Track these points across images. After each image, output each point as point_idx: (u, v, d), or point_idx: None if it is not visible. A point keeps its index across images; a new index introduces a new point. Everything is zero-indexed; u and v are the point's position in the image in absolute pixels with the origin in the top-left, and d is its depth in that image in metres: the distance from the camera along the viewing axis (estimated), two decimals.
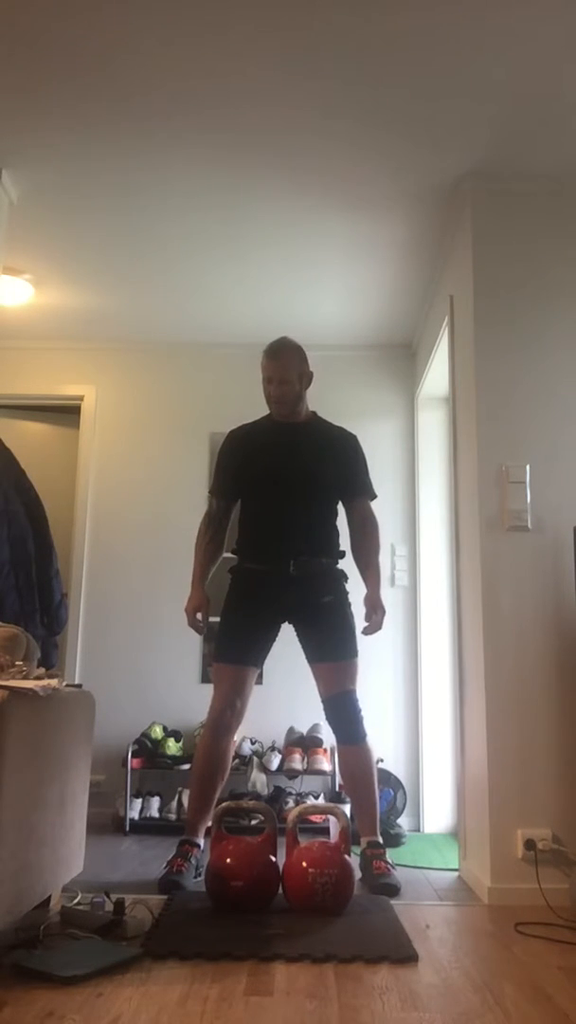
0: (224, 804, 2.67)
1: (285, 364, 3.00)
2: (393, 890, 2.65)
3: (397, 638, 4.25)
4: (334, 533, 3.03)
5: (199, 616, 3.01)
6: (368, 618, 3.01)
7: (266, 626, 2.94)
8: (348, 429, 3.16)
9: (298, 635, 2.97)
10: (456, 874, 3.02)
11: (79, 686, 2.71)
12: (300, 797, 3.83)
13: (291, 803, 3.75)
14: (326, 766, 3.85)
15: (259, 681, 4.07)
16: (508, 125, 2.80)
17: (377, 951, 2.02)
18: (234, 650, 2.90)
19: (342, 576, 2.99)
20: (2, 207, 3.18)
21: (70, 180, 3.16)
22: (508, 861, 2.62)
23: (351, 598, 2.98)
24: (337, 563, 3.00)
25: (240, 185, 3.18)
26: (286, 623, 2.98)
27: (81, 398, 4.57)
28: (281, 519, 2.95)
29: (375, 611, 3.01)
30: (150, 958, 1.95)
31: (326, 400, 4.54)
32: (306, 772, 3.87)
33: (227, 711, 2.86)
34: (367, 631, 3.00)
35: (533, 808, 2.65)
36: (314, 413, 3.14)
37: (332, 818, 3.37)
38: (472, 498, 2.95)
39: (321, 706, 2.92)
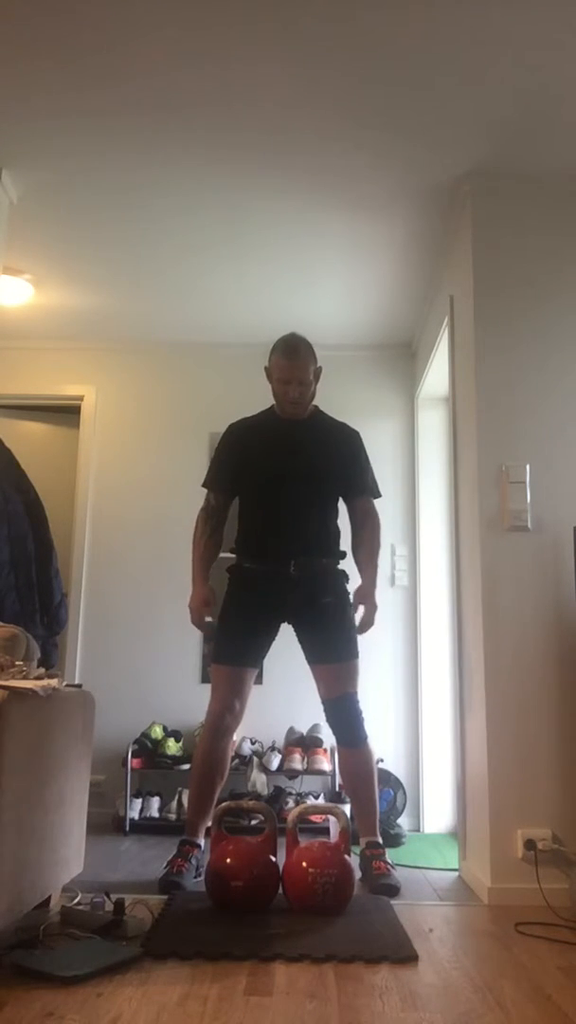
0: (224, 804, 2.67)
1: (303, 365, 2.93)
2: (393, 890, 2.65)
3: (397, 638, 4.25)
4: (335, 533, 3.02)
5: (207, 610, 2.96)
6: (357, 611, 2.96)
7: (265, 626, 2.93)
8: (350, 426, 3.13)
9: (298, 636, 2.96)
10: (456, 874, 3.02)
11: (79, 686, 2.71)
12: (300, 797, 3.83)
13: (291, 803, 3.75)
14: (326, 766, 3.85)
15: (259, 681, 4.08)
16: (508, 125, 2.80)
17: (377, 951, 2.02)
18: (233, 651, 2.89)
19: (343, 576, 2.98)
20: (2, 207, 3.18)
21: (70, 180, 3.16)
22: (508, 861, 2.62)
23: (351, 598, 2.98)
24: (338, 563, 2.99)
25: (240, 185, 3.18)
26: (285, 623, 2.97)
27: (81, 398, 4.57)
28: (282, 518, 2.93)
29: (365, 603, 2.96)
30: (150, 958, 1.95)
31: (326, 400, 4.51)
32: (306, 772, 3.87)
33: (226, 713, 2.85)
34: (359, 629, 2.96)
35: (533, 808, 2.65)
36: (316, 408, 3.11)
37: (332, 818, 3.37)
38: (472, 498, 2.95)
39: (321, 706, 2.92)
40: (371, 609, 2.98)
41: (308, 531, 2.94)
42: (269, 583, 2.90)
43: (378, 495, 3.10)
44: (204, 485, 3.09)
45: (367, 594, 2.98)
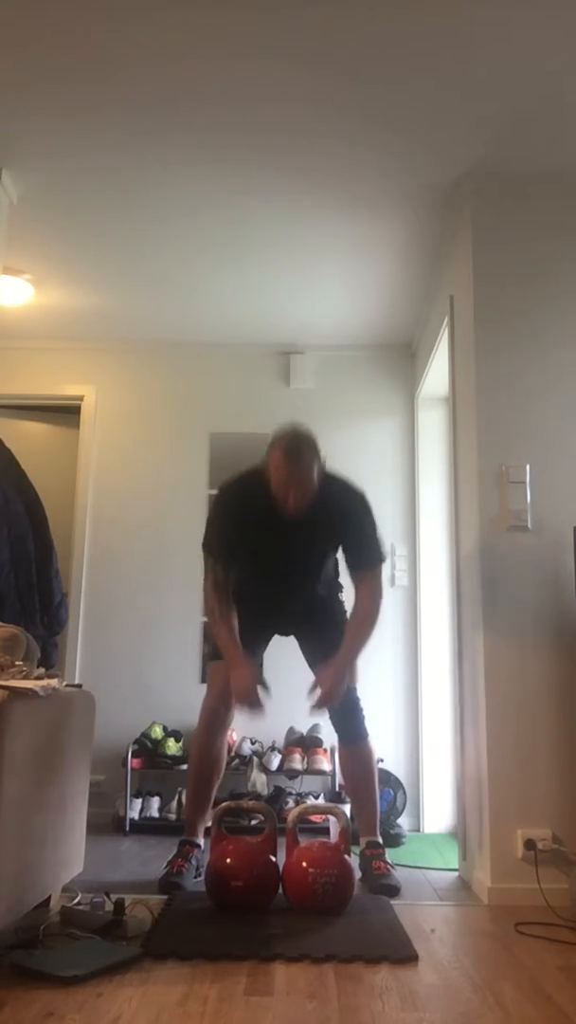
0: (224, 804, 2.67)
1: (307, 469, 2.54)
2: (393, 891, 2.65)
3: (397, 638, 4.25)
4: (334, 597, 3.00)
5: (256, 687, 2.66)
6: (320, 683, 2.66)
7: (263, 632, 2.95)
8: (356, 487, 2.80)
9: (299, 643, 3.00)
10: (456, 874, 3.02)
11: (79, 686, 2.71)
12: (300, 797, 3.83)
13: (291, 803, 3.75)
14: (326, 766, 3.85)
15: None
16: (508, 125, 2.80)
17: (377, 951, 2.02)
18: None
19: (337, 587, 3.02)
20: (2, 207, 3.18)
21: (70, 180, 3.16)
22: (508, 861, 2.62)
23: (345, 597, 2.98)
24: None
25: (240, 185, 3.18)
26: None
27: (81, 398, 4.57)
28: (277, 590, 2.86)
29: (326, 672, 2.66)
30: (150, 958, 1.95)
31: (326, 400, 4.55)
32: (306, 772, 3.87)
33: (221, 708, 2.84)
34: (314, 701, 2.67)
35: (533, 808, 2.65)
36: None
37: (332, 818, 3.37)
38: (472, 498, 2.95)
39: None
40: (335, 684, 2.65)
41: (304, 597, 2.90)
42: (265, 621, 2.92)
43: (380, 562, 2.80)
44: (207, 551, 2.80)
45: (332, 665, 2.69)
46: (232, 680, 2.66)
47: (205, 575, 2.78)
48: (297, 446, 2.56)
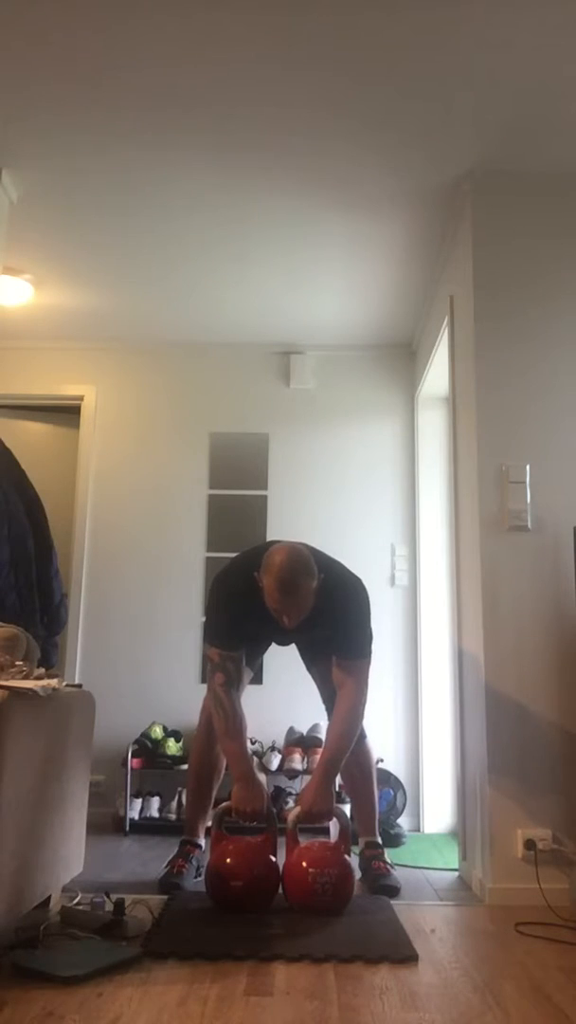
0: (224, 804, 2.66)
1: (302, 597, 2.50)
2: (393, 891, 2.65)
3: (397, 638, 4.25)
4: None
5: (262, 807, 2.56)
6: (301, 803, 2.57)
7: (261, 644, 2.95)
8: (351, 581, 2.71)
9: (296, 645, 3.00)
10: (456, 874, 3.02)
11: (79, 686, 2.71)
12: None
13: (291, 803, 3.75)
14: None
15: (259, 681, 4.09)
16: (508, 125, 2.80)
17: (377, 951, 2.02)
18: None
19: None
20: (2, 207, 3.18)
21: (70, 180, 3.16)
22: (508, 861, 2.62)
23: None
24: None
25: (240, 185, 3.18)
26: None
27: (81, 398, 4.57)
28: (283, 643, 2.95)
29: (306, 795, 2.58)
30: (150, 958, 1.95)
31: (326, 400, 4.56)
32: (306, 772, 3.86)
33: None
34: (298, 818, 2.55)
35: (533, 808, 2.65)
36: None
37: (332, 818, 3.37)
38: (472, 498, 2.95)
39: (320, 706, 2.93)
40: (316, 801, 2.54)
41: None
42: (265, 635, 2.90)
43: (367, 653, 2.68)
44: (214, 645, 2.70)
45: (313, 782, 2.59)
46: (237, 797, 2.56)
47: (211, 676, 2.68)
48: (292, 577, 2.46)
